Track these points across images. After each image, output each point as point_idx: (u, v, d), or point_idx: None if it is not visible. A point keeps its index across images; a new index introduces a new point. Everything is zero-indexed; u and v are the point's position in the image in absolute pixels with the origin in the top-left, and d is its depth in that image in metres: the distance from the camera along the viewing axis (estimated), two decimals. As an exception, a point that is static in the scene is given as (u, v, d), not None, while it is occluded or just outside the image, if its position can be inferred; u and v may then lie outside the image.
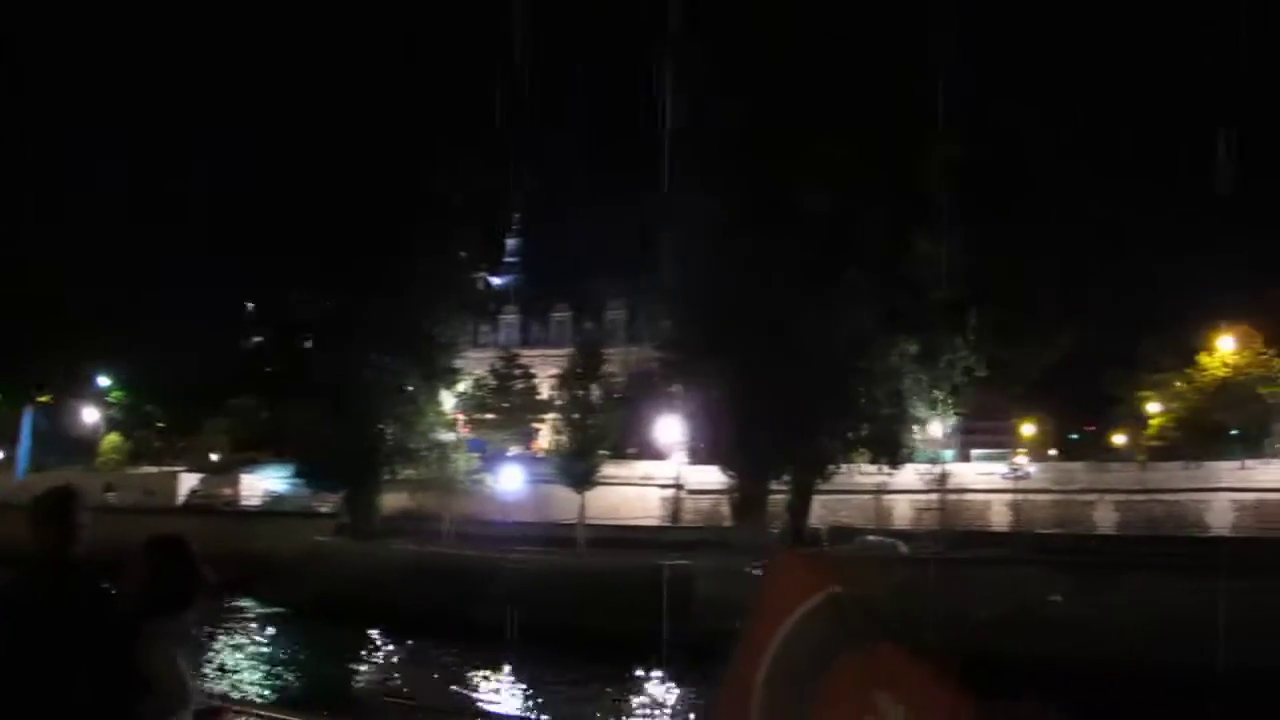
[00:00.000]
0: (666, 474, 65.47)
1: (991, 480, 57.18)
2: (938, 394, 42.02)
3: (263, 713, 8.97)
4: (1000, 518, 55.53)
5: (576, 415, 48.69)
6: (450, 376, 54.39)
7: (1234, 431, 61.95)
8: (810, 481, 44.41)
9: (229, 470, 71.62)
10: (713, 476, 67.96)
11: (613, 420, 49.90)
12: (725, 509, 66.66)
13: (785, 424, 40.08)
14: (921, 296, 40.06)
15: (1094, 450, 79.71)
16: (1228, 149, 41.82)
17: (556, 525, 53.67)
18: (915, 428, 42.99)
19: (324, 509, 63.11)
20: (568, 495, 60.90)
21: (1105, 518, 54.35)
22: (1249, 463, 54.54)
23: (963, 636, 32.84)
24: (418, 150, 52.06)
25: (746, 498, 43.16)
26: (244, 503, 64.04)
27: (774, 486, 47.74)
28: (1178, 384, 73.57)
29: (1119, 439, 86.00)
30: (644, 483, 66.03)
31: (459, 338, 54.91)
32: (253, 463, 75.70)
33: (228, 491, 64.53)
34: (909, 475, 52.96)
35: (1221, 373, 67.74)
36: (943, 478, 48.44)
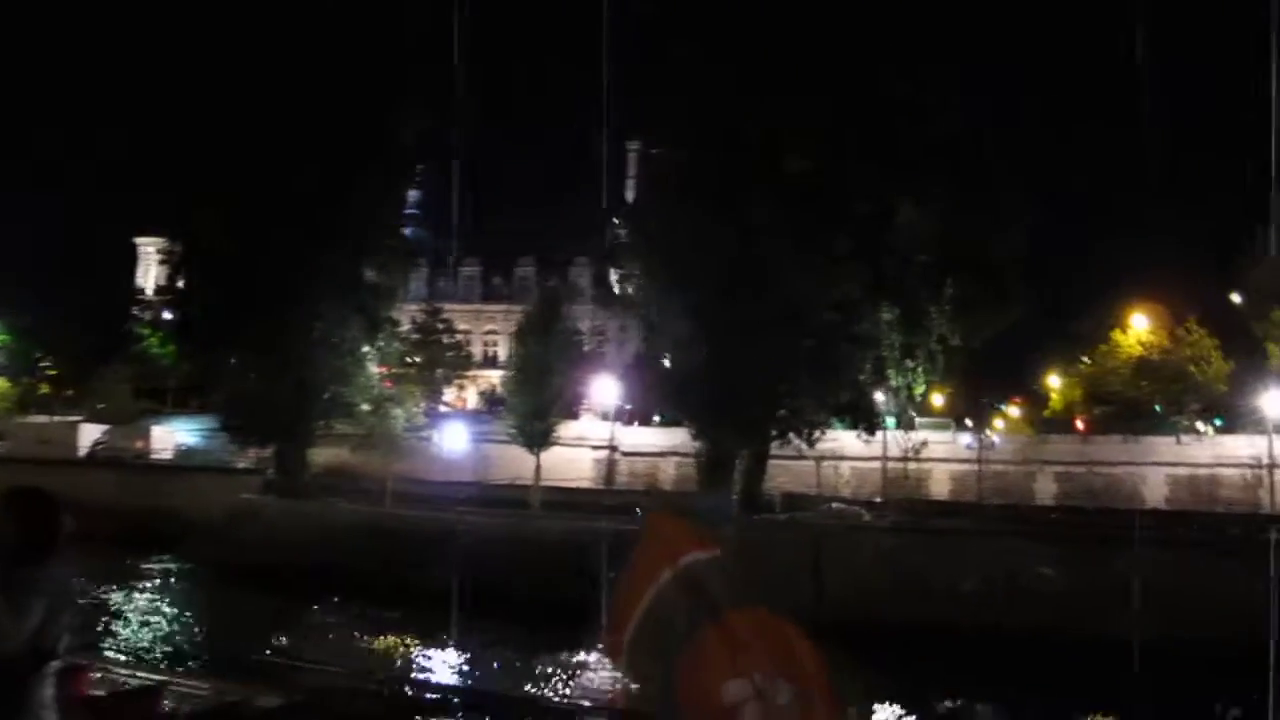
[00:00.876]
0: (600, 435, 63.80)
1: (953, 450, 56.97)
2: (911, 363, 41.46)
3: (130, 671, 8.85)
4: (953, 488, 55.54)
5: (535, 373, 46.59)
6: (391, 328, 51.57)
7: (1157, 408, 63.35)
8: (768, 448, 43.45)
9: (130, 421, 67.16)
10: (647, 439, 66.86)
11: (568, 380, 47.99)
12: (664, 472, 65.89)
13: (769, 388, 39.00)
14: (905, 263, 39.36)
15: (1014, 424, 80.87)
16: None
17: (501, 486, 51.67)
18: (889, 395, 42.40)
19: (242, 464, 59.78)
20: (509, 455, 59.00)
21: (1046, 489, 55.01)
22: (1184, 439, 55.81)
23: (949, 607, 32.69)
24: (364, 87, 48.89)
25: (714, 462, 41.87)
26: (155, 456, 60.07)
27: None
28: (1084, 362, 75.17)
29: (1014, 412, 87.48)
30: (577, 443, 64.28)
31: (399, 288, 52.04)
32: (154, 413, 71.37)
33: (138, 444, 60.41)
34: (852, 442, 52.44)
35: (1137, 350, 69.19)
36: (913, 448, 47.90)
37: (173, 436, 63.42)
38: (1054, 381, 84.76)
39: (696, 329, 39.70)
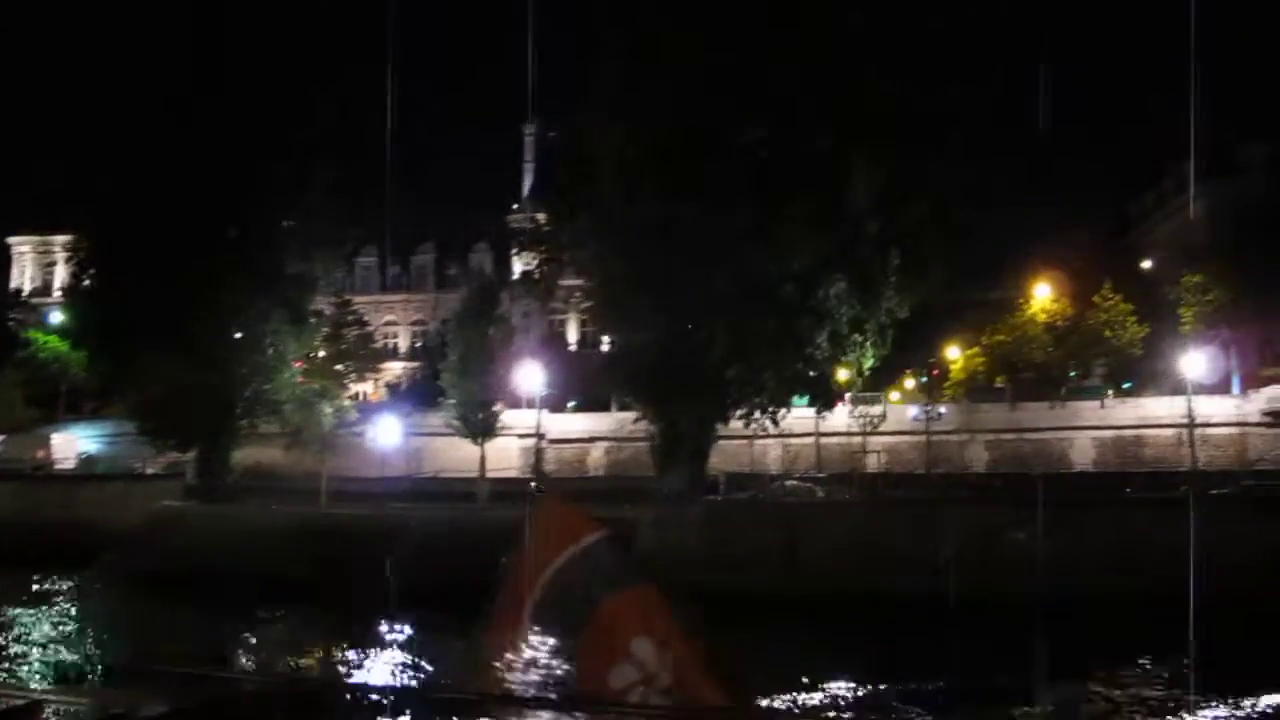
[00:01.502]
0: (526, 423, 62.24)
1: (899, 423, 57.11)
2: (859, 336, 41.15)
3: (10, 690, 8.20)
4: (888, 460, 55.84)
5: (476, 362, 44.94)
6: (314, 320, 49.25)
7: (1071, 374, 64.90)
8: (713, 427, 42.75)
9: (22, 429, 63.02)
10: (575, 425, 65.66)
11: (509, 368, 46.46)
12: (593, 457, 64.75)
13: (730, 365, 38.20)
14: (857, 232, 38.92)
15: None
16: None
17: (438, 479, 50.02)
18: (841, 369, 42.09)
19: (151, 470, 56.62)
20: (435, 447, 57.27)
21: (978, 456, 55.83)
22: (1108, 402, 57.20)
23: (927, 577, 32.56)
24: (281, 76, 46.53)
25: (670, 443, 40.94)
26: (58, 466, 56.37)
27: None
28: (995, 331, 76.53)
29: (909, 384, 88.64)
30: (503, 433, 62.81)
31: (321, 279, 49.68)
32: (47, 421, 67.24)
33: (39, 454, 56.60)
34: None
35: (1041, 319, 70.75)
36: (870, 421, 47.82)
37: (74, 444, 59.70)
38: (953, 353, 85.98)
39: (651, 307, 38.57)
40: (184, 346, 46.03)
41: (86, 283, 49.69)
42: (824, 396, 41.71)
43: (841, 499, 39.60)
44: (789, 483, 44.13)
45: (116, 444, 61.79)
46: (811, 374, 40.42)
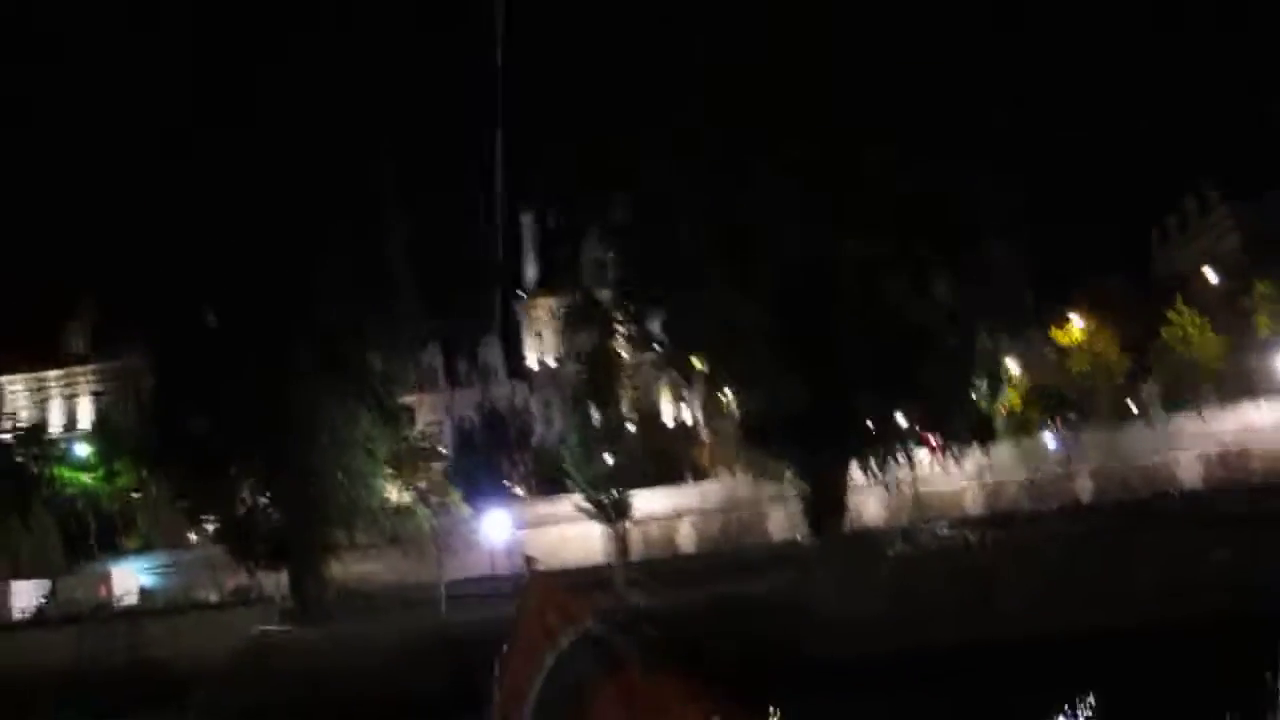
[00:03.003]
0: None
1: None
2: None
3: None
4: (988, 499, 53.79)
5: (596, 443, 42.42)
6: (403, 418, 46.38)
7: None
8: (840, 479, 40.62)
9: (59, 570, 58.77)
10: (656, 503, 62.79)
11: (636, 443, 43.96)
12: (681, 534, 61.88)
13: (876, 411, 36.26)
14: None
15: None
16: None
17: (546, 572, 46.99)
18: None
19: (214, 598, 52.82)
20: (530, 538, 54.56)
21: (1083, 487, 53.89)
22: (1207, 414, 55.73)
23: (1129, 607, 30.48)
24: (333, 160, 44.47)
25: (821, 501, 38.65)
26: (121, 603, 52.31)
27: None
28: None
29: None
30: (578, 517, 59.95)
31: (403, 372, 46.98)
32: (85, 558, 62.91)
33: (101, 592, 52.53)
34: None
35: (1084, 350, 69.23)
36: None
37: (132, 579, 55.63)
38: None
39: (778, 364, 36.50)
40: (271, 458, 43.14)
41: (149, 406, 46.41)
42: (957, 435, 39.67)
43: (1027, 540, 37.29)
44: (941, 531, 41.82)
45: (170, 574, 57.92)
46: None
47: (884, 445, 38.11)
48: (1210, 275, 62.86)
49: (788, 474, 44.39)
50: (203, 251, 44.10)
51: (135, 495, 62.19)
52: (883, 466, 39.32)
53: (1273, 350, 55.20)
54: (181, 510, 48.01)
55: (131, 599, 53.16)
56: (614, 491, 40.86)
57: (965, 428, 39.34)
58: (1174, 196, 75.85)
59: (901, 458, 39.64)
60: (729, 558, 48.71)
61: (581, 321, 56.83)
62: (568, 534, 59.34)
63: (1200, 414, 55.59)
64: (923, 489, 53.98)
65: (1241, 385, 58.73)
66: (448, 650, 37.25)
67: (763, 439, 38.93)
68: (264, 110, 44.83)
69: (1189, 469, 54.53)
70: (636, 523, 60.71)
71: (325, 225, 43.98)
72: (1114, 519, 40.59)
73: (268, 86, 44.39)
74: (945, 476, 50.37)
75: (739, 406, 39.84)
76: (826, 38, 37.39)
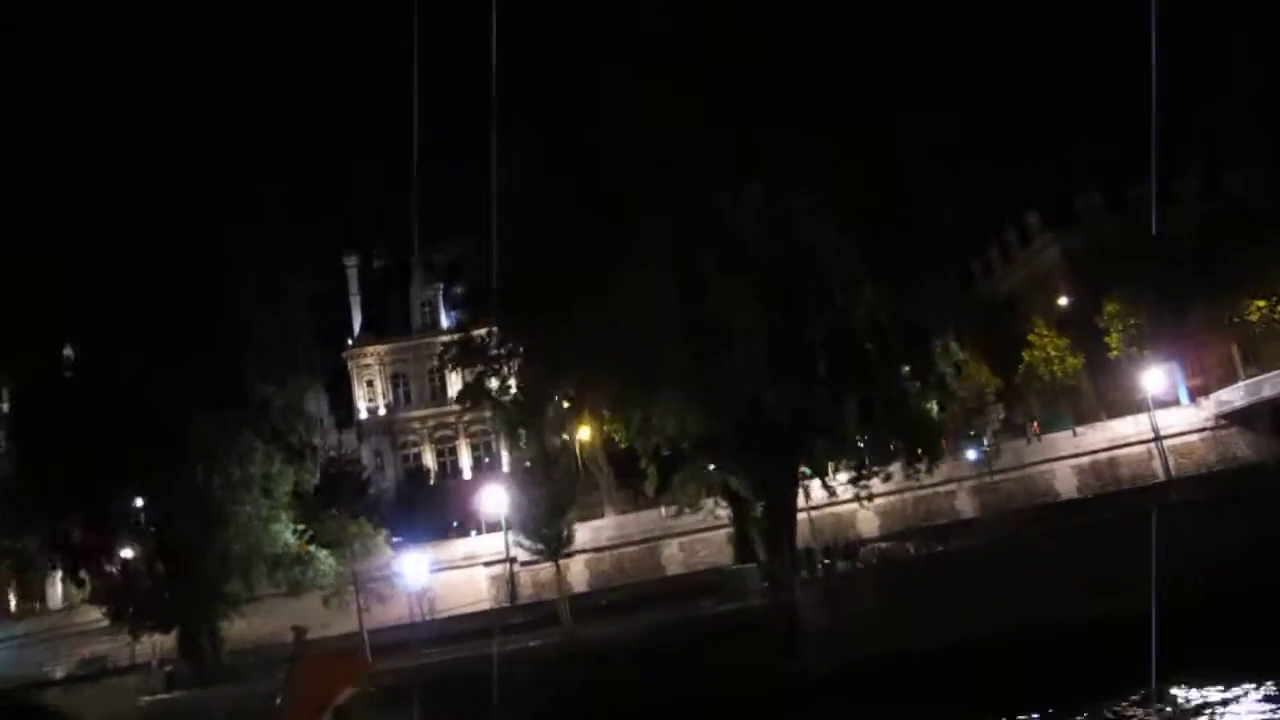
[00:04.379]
0: (491, 550, 56.50)
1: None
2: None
3: None
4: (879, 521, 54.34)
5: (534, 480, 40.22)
6: (307, 455, 42.64)
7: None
8: (793, 494, 40.15)
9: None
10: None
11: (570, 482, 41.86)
12: (573, 573, 59.51)
13: (823, 412, 35.77)
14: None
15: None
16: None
17: (473, 615, 44.44)
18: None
19: (61, 673, 47.04)
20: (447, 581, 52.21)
21: (964, 504, 55.28)
22: (1079, 429, 58.38)
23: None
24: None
25: (774, 521, 37.75)
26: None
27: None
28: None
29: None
30: (468, 563, 56.86)
31: (300, 406, 43.39)
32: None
33: (-63, 674, 45.58)
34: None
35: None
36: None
37: (-35, 655, 48.77)
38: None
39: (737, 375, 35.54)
40: (151, 505, 38.93)
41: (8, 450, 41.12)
42: (930, 447, 39.68)
43: (976, 545, 37.55)
44: (881, 545, 41.81)
45: (6, 650, 51.30)
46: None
47: (839, 455, 37.84)
48: (1062, 299, 66.25)
49: (708, 501, 43.54)
50: (68, 284, 39.81)
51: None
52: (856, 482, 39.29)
53: (1127, 368, 58.47)
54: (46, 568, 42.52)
55: (-29, 679, 46.67)
56: (547, 529, 38.53)
57: (930, 436, 39.33)
58: (992, 230, 79.90)
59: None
60: (655, 587, 47.37)
61: (462, 359, 54.55)
62: (453, 579, 56.60)
63: (1073, 430, 58.24)
64: (814, 513, 54.23)
65: (1101, 400, 62.32)
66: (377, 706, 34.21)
67: (713, 453, 37.78)
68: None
69: (1065, 480, 56.92)
70: (525, 564, 58.31)
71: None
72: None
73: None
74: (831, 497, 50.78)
75: (658, 429, 38.34)
76: None
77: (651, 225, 35.61)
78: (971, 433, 54.21)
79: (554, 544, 39.09)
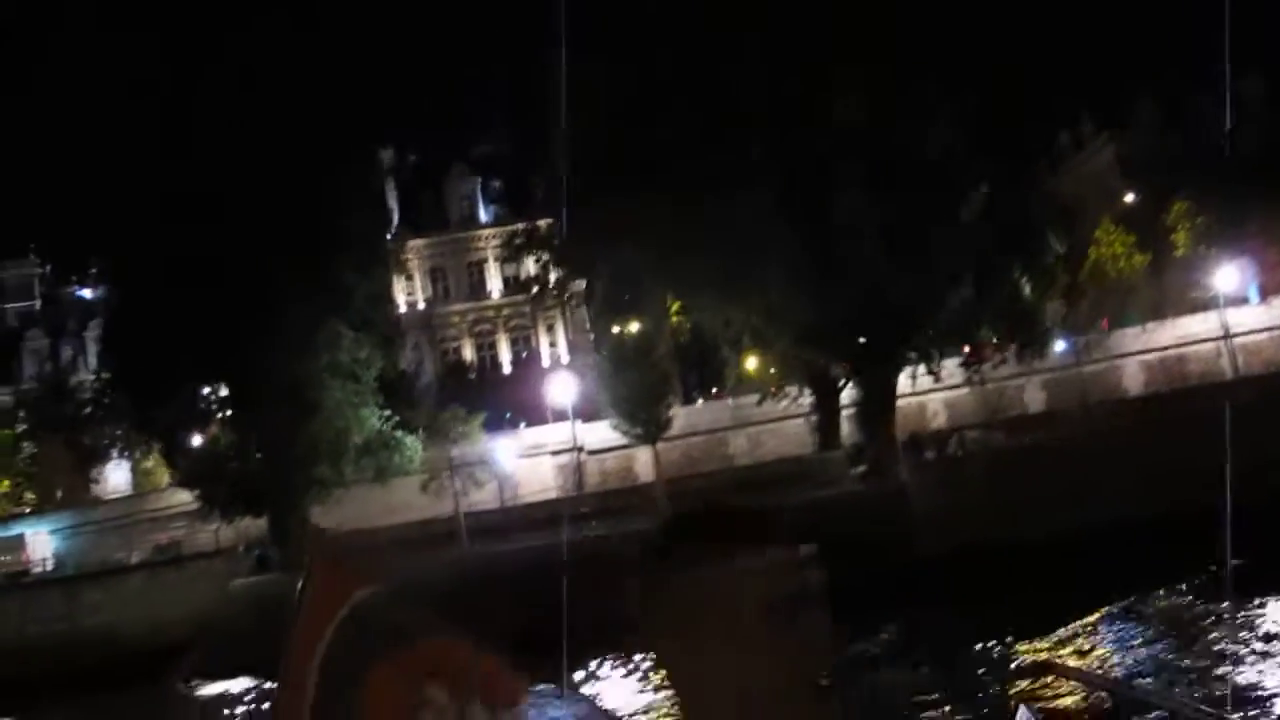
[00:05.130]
0: (559, 439, 56.45)
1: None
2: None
3: None
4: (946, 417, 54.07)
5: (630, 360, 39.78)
6: (395, 341, 42.15)
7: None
8: (894, 383, 39.66)
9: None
10: (610, 435, 60.34)
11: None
12: (641, 464, 59.59)
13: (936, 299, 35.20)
14: None
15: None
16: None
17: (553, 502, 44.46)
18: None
19: (134, 558, 47.23)
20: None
21: (1034, 398, 55.01)
22: (1149, 325, 57.99)
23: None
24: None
25: (874, 405, 37.46)
26: (38, 570, 45.78)
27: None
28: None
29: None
30: (534, 452, 56.78)
31: (383, 293, 42.80)
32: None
33: (23, 557, 45.75)
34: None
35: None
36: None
37: (46, 542, 48.87)
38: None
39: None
40: (243, 391, 38.56)
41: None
42: (1027, 333, 39.23)
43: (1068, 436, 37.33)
44: (970, 434, 41.60)
45: (80, 536, 51.45)
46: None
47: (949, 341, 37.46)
48: (1129, 196, 65.30)
49: (793, 388, 43.25)
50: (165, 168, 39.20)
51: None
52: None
53: (1195, 266, 57.79)
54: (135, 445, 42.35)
55: (50, 564, 46.93)
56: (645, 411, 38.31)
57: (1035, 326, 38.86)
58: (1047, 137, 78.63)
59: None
60: (730, 475, 47.20)
61: (527, 249, 53.79)
62: (520, 467, 56.69)
63: (1143, 326, 57.83)
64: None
65: (1169, 298, 61.74)
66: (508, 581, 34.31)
67: (817, 342, 37.21)
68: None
69: (1133, 377, 56.68)
70: (592, 453, 58.36)
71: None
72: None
73: None
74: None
75: (757, 319, 37.76)
76: None
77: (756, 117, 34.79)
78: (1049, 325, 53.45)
79: (652, 428, 38.77)
